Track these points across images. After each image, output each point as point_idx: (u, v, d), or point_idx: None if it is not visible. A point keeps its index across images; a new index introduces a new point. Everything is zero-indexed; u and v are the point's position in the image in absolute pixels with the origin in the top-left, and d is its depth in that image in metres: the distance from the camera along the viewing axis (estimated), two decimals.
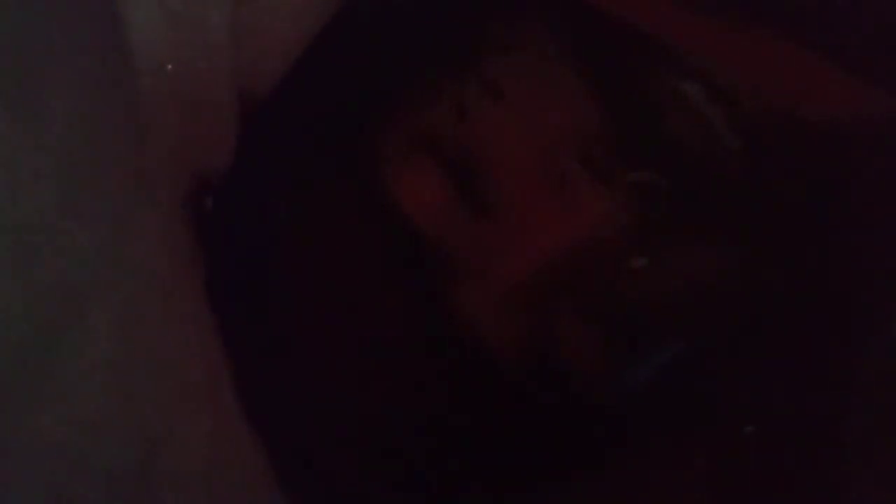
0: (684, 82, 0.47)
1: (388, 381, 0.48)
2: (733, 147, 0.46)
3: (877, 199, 0.47)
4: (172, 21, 0.46)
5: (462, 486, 0.49)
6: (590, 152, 0.46)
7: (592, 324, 0.46)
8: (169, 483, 0.38)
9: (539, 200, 0.46)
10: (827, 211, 0.47)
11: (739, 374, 0.47)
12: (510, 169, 0.46)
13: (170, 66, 0.47)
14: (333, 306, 0.49)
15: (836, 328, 0.47)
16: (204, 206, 0.50)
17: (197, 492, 0.39)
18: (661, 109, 0.46)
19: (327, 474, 0.48)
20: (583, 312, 0.46)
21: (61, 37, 0.44)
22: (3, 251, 0.36)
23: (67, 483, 0.36)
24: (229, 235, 0.50)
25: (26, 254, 0.37)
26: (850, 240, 0.47)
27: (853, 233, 0.47)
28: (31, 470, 0.35)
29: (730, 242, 0.47)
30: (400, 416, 0.48)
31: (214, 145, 0.49)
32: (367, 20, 0.51)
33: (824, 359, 0.47)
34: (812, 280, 0.47)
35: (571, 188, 0.46)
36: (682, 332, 0.48)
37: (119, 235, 0.41)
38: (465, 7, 0.50)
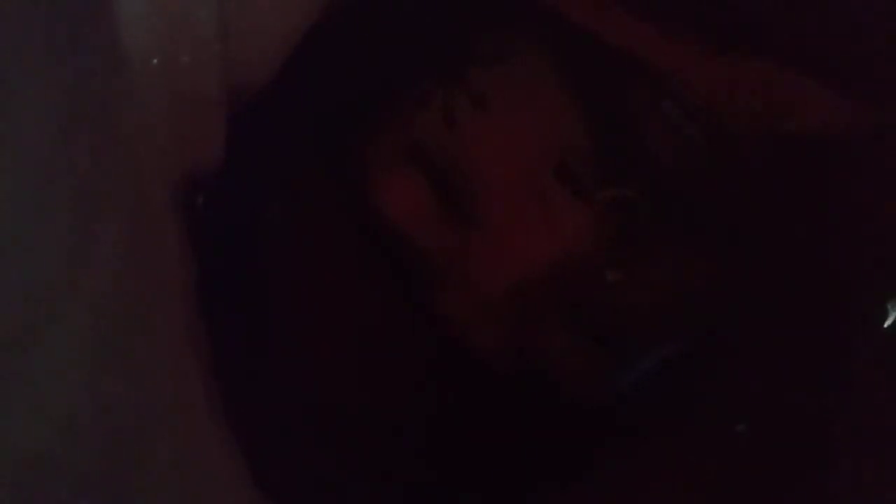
0: (664, 100, 0.47)
1: (375, 384, 0.48)
2: (712, 163, 0.47)
3: (861, 205, 0.47)
4: (158, 15, 0.46)
5: (455, 489, 0.48)
6: (569, 167, 0.47)
7: (575, 333, 0.47)
8: (143, 483, 0.38)
9: (520, 213, 0.47)
10: (812, 217, 0.47)
11: (730, 374, 0.47)
12: (493, 181, 0.47)
13: (155, 60, 0.46)
14: (323, 309, 0.49)
15: (827, 328, 0.47)
16: (194, 203, 0.50)
17: (173, 492, 0.38)
18: (641, 126, 0.47)
19: (311, 477, 0.48)
20: (564, 322, 0.47)
21: (42, 29, 0.43)
22: None
23: (40, 485, 0.36)
24: (219, 234, 0.50)
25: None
26: (836, 242, 0.47)
27: (839, 236, 0.47)
28: (4, 472, 0.35)
29: (709, 253, 0.47)
30: (392, 418, 0.48)
31: (202, 141, 0.48)
32: (358, 23, 0.51)
33: (815, 358, 0.47)
34: (801, 284, 0.47)
35: (551, 202, 0.46)
36: (662, 339, 0.48)
37: (87, 237, 0.41)
38: (455, 17, 0.50)
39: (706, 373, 0.48)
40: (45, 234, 0.37)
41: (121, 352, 0.37)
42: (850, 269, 0.47)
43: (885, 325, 0.46)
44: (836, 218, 0.48)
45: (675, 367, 0.48)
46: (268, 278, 0.49)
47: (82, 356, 0.36)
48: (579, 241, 0.47)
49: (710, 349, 0.48)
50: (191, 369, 0.43)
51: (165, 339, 0.42)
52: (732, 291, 0.48)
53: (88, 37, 0.45)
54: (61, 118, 0.40)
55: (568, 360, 0.48)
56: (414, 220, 0.47)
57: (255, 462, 0.45)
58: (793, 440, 0.47)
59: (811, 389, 0.47)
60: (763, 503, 0.47)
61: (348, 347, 0.48)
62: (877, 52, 0.47)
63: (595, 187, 0.47)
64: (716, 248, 0.48)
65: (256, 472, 0.45)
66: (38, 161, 0.38)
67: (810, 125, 0.47)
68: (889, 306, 0.46)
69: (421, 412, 0.48)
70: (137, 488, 0.37)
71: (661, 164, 0.47)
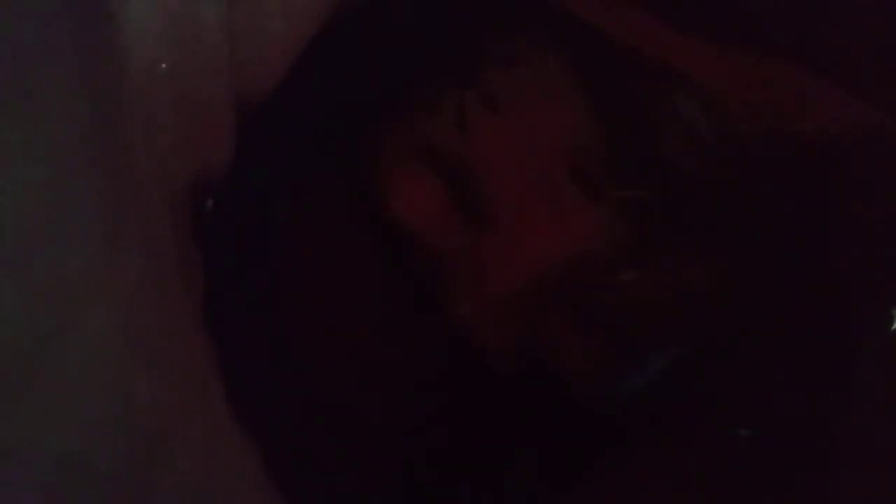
0: (678, 101, 0.48)
1: (384, 384, 0.48)
2: (723, 162, 0.47)
3: (868, 205, 0.47)
4: (166, 19, 0.46)
5: (459, 487, 0.49)
6: (582, 167, 0.47)
7: (584, 333, 0.47)
8: (166, 483, 0.38)
9: (532, 214, 0.47)
10: (820, 218, 0.48)
11: (734, 376, 0.48)
12: (505, 182, 0.48)
13: (164, 65, 0.46)
14: (331, 309, 0.49)
15: (831, 331, 0.47)
16: (203, 206, 0.50)
17: (193, 492, 0.39)
18: (654, 127, 0.48)
19: (324, 475, 0.48)
20: (574, 322, 0.47)
21: (55, 36, 0.44)
22: None
23: (63, 484, 0.36)
24: (228, 236, 0.50)
25: (20, 256, 0.36)
26: (844, 244, 0.47)
27: (847, 237, 0.47)
28: (26, 471, 0.35)
29: (719, 254, 0.48)
30: (397, 418, 0.48)
31: (211, 145, 0.49)
32: (368, 25, 0.51)
33: (819, 362, 0.47)
34: (806, 285, 0.47)
35: (563, 203, 0.47)
36: (673, 340, 0.48)
37: (113, 237, 0.41)
38: (466, 20, 0.51)
39: (710, 375, 0.48)
40: (75, 236, 0.37)
41: (145, 353, 0.37)
42: (855, 272, 0.48)
43: (891, 329, 0.47)
44: (841, 220, 0.48)
45: (680, 369, 0.48)
46: (278, 280, 0.49)
47: (109, 357, 0.36)
48: (591, 242, 0.47)
49: (715, 351, 0.48)
50: (211, 370, 0.43)
51: (187, 340, 0.42)
52: (740, 293, 0.48)
53: (97, 43, 0.45)
54: (82, 126, 0.40)
55: (576, 361, 0.48)
56: (426, 222, 0.48)
57: (271, 462, 0.45)
58: (795, 444, 0.47)
59: (814, 393, 0.47)
60: None
61: (358, 347, 0.49)
62: (882, 52, 0.48)
63: (607, 188, 0.47)
64: (726, 249, 0.48)
65: (272, 471, 0.45)
66: (66, 169, 0.38)
67: (819, 125, 0.48)
68: (894, 311, 0.47)
69: (427, 411, 0.48)
70: (161, 489, 0.37)
71: (673, 164, 0.47)
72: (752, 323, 0.48)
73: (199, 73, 0.47)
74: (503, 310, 0.47)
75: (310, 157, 0.50)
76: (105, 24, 0.45)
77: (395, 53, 0.50)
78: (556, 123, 0.48)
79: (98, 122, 0.44)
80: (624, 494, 0.49)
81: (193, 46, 0.47)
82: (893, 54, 0.48)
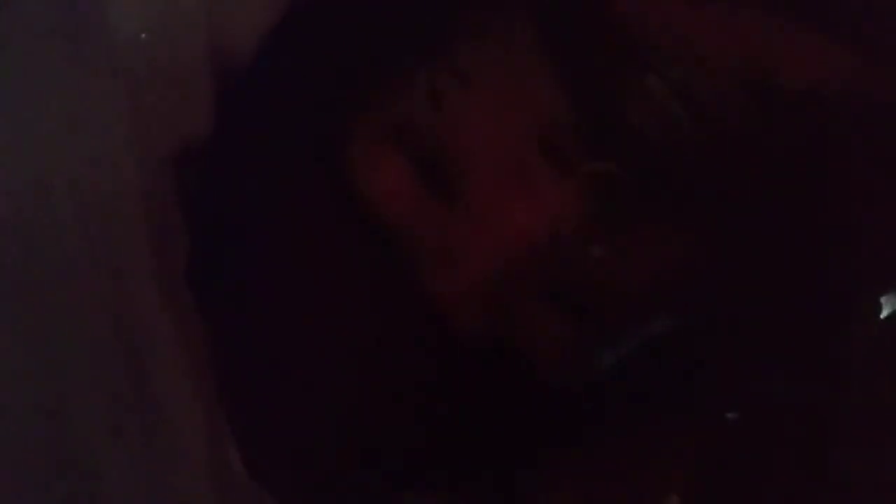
0: (648, 75, 0.47)
1: (362, 369, 0.48)
2: (694, 136, 0.46)
3: (856, 165, 0.46)
4: None
5: (445, 472, 0.48)
6: (551, 142, 0.47)
7: (556, 310, 0.47)
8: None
9: (504, 190, 0.47)
10: (806, 181, 0.47)
11: (720, 359, 0.47)
12: (477, 158, 0.47)
13: (144, 35, 0.47)
14: (307, 288, 0.49)
15: (823, 315, 0.46)
16: (185, 176, 0.50)
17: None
18: (624, 101, 0.47)
19: (302, 463, 0.48)
20: (548, 299, 0.47)
21: (45, 16, 0.45)
22: None
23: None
24: (208, 209, 0.50)
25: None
26: (833, 213, 0.46)
27: (836, 204, 0.46)
28: None
29: (695, 228, 0.47)
30: (377, 404, 0.48)
31: (191, 114, 0.49)
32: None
33: (806, 345, 0.46)
34: (795, 267, 0.47)
35: (534, 178, 0.46)
36: (649, 316, 0.47)
37: (96, 213, 0.42)
38: None
39: (694, 357, 0.47)
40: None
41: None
42: (846, 256, 0.47)
43: (882, 316, 0.46)
44: (831, 202, 0.47)
45: (660, 350, 0.47)
46: (255, 259, 0.49)
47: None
48: (563, 216, 0.46)
49: (698, 332, 0.47)
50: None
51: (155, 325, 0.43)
52: (720, 271, 0.47)
53: (77, 14, 0.46)
54: (58, 92, 0.41)
55: (549, 339, 0.47)
56: (397, 200, 0.48)
57: (248, 449, 0.46)
58: (788, 428, 0.46)
59: (803, 378, 0.46)
60: (754, 497, 0.46)
61: (334, 333, 0.49)
62: (873, 4, 0.47)
63: (579, 162, 0.47)
64: (702, 224, 0.47)
65: (249, 460, 0.46)
66: (42, 138, 0.39)
67: (801, 78, 0.47)
68: (883, 300, 0.46)
69: (407, 391, 0.48)
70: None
71: (645, 138, 0.47)
72: (738, 306, 0.47)
73: (179, 43, 0.48)
74: (477, 290, 0.47)
75: (285, 137, 0.50)
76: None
77: (369, 29, 0.50)
78: (527, 97, 0.48)
79: (76, 90, 0.45)
80: (609, 478, 0.48)
81: (172, 17, 0.47)
82: (882, 6, 0.47)
